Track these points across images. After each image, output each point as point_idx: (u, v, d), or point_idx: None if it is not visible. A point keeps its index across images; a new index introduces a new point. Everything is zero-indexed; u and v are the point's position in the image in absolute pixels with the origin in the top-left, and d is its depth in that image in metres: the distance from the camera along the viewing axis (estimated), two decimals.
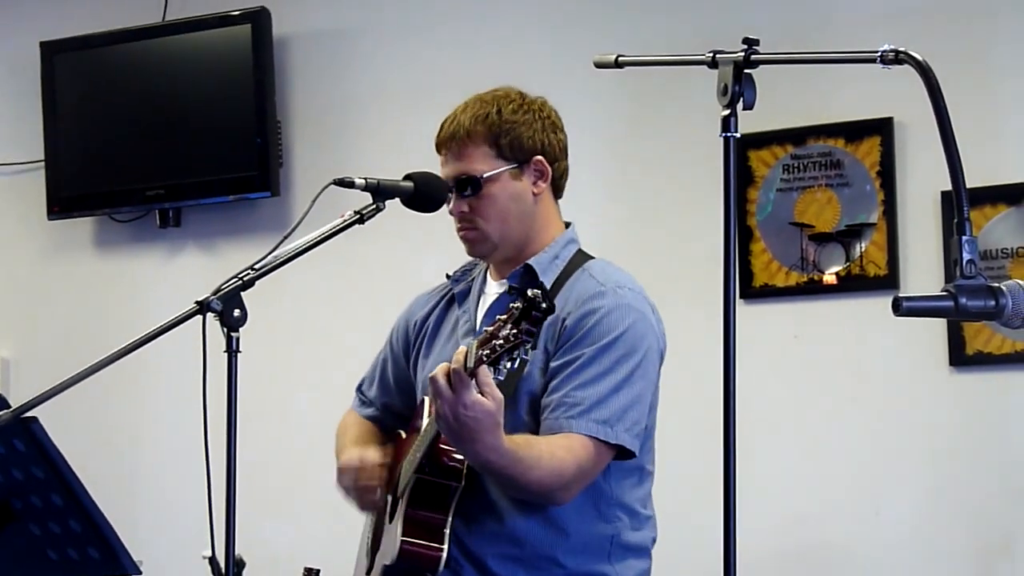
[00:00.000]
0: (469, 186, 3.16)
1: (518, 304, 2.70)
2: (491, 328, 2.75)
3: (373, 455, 3.26)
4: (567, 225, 3.30)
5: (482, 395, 2.81)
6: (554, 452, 2.99)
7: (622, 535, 3.16)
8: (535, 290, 2.70)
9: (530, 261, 3.19)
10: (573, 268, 3.21)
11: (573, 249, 3.25)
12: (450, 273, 3.40)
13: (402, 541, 3.02)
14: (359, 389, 3.55)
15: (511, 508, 3.09)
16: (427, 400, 3.15)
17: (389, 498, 3.23)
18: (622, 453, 3.09)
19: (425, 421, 3.12)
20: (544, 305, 2.68)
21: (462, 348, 2.83)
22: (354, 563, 3.43)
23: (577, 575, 3.11)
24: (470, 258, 3.38)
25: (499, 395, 2.82)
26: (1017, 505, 4.50)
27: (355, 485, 3.24)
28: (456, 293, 3.34)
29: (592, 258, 3.26)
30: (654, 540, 3.25)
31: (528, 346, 2.72)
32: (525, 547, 3.09)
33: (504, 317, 2.72)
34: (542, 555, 3.10)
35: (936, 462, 4.61)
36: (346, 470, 3.26)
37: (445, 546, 3.03)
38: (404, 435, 3.32)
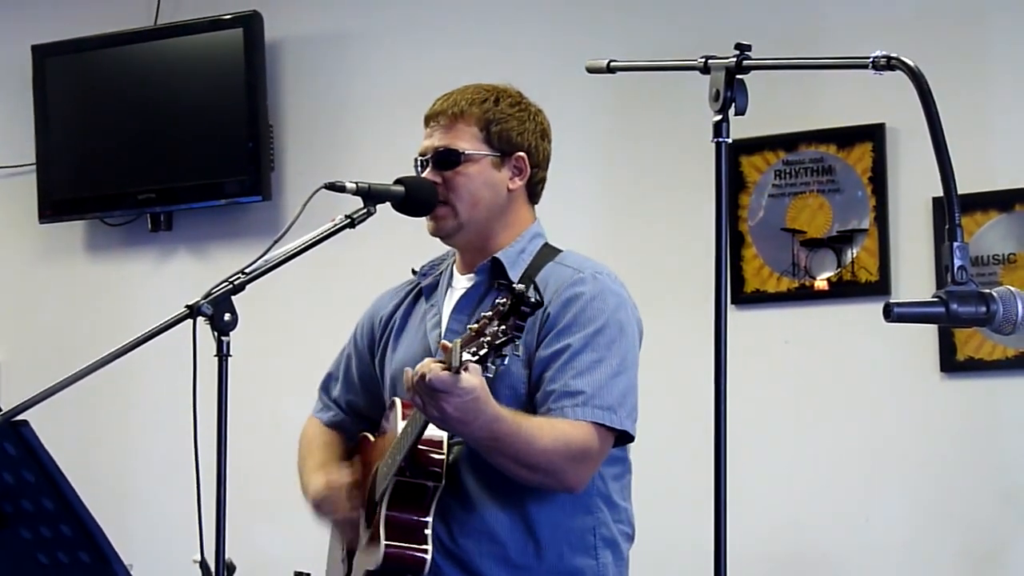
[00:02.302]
0: (449, 159, 3.17)
1: (505, 300, 2.68)
2: (476, 326, 2.72)
3: (339, 477, 3.26)
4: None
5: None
6: (555, 424, 3.00)
7: (603, 528, 3.17)
8: (521, 285, 2.69)
9: (498, 254, 3.19)
10: (542, 260, 3.21)
11: (539, 243, 3.26)
12: (416, 268, 3.40)
13: (386, 545, 3.02)
14: (323, 389, 3.53)
15: (492, 505, 3.09)
16: (398, 401, 3.15)
17: (363, 502, 3.22)
18: (619, 439, 3.10)
19: (399, 423, 3.10)
20: (533, 300, 2.66)
21: (445, 344, 2.81)
22: (325, 566, 3.44)
23: (561, 570, 3.11)
24: (437, 254, 3.39)
25: (475, 367, 2.79)
26: (1008, 511, 4.50)
27: (334, 517, 3.25)
28: (424, 287, 3.34)
29: (560, 251, 3.26)
30: (630, 536, 3.25)
31: (517, 342, 2.70)
32: (507, 544, 3.09)
33: (490, 314, 2.70)
34: (525, 551, 3.10)
35: (927, 468, 4.61)
36: (321, 504, 3.25)
37: (429, 547, 3.03)
38: (372, 438, 3.31)
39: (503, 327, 2.68)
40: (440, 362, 2.79)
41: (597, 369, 3.06)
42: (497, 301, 2.70)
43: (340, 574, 3.31)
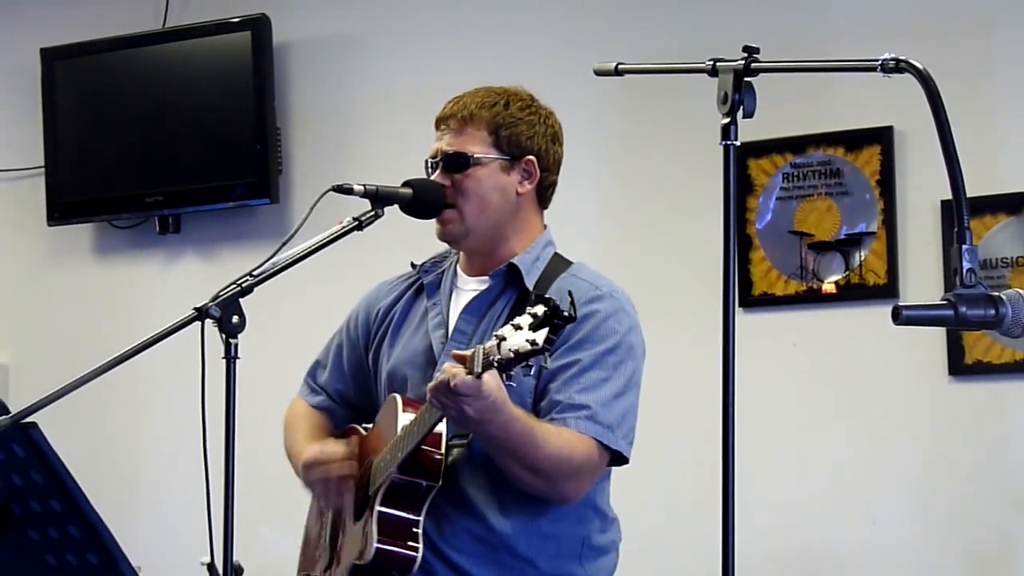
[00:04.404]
0: (457, 162, 3.17)
1: (537, 311, 2.64)
2: (502, 333, 2.70)
3: (335, 447, 3.24)
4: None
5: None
6: (562, 433, 3.01)
7: (592, 537, 3.18)
8: (553, 298, 2.66)
9: (514, 260, 3.19)
10: (554, 270, 3.21)
11: (551, 251, 3.26)
12: (416, 262, 3.39)
13: (378, 540, 3.02)
14: (310, 375, 3.51)
15: (486, 507, 3.09)
16: (399, 398, 3.15)
17: (355, 495, 3.21)
18: (614, 459, 3.10)
19: (399, 420, 3.10)
20: (567, 314, 2.64)
21: (461, 354, 2.81)
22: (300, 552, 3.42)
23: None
24: (438, 250, 3.39)
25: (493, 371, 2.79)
26: (1014, 514, 4.50)
27: (326, 476, 3.20)
28: (425, 283, 3.33)
29: (571, 262, 3.26)
30: (617, 544, 3.25)
31: (548, 354, 2.67)
32: (499, 547, 3.10)
33: (518, 323, 2.68)
34: (516, 555, 3.10)
35: (934, 471, 4.60)
36: (312, 464, 3.22)
37: (420, 546, 3.03)
38: (364, 431, 3.30)
39: (534, 338, 2.64)
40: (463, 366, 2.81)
41: (602, 387, 3.07)
42: (529, 310, 2.67)
43: (322, 560, 3.30)
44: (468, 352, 2.80)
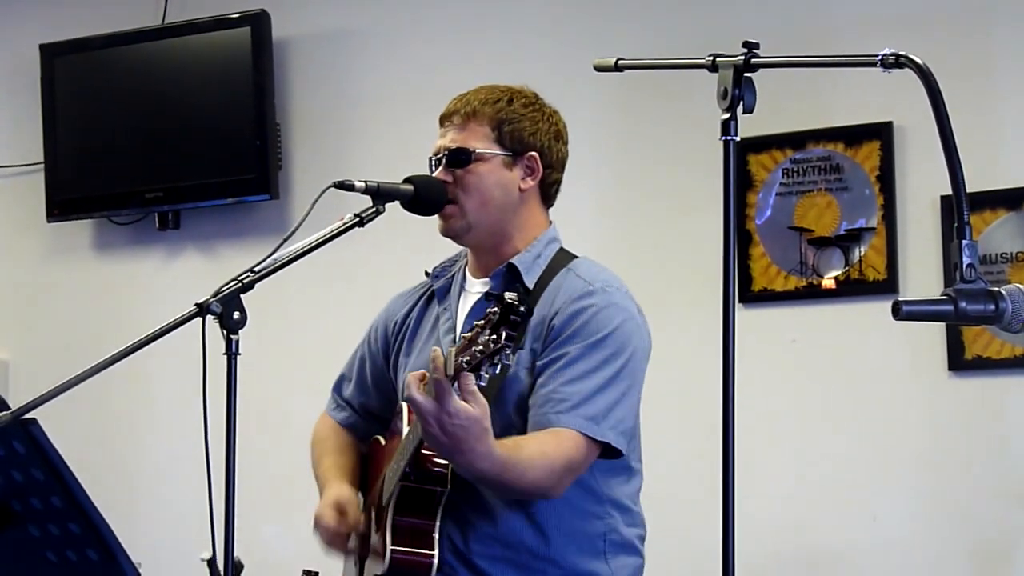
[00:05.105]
0: (460, 158, 3.17)
1: (495, 309, 2.68)
2: (469, 334, 2.73)
3: (351, 509, 3.25)
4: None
5: (466, 402, 2.79)
6: (544, 451, 2.99)
7: (615, 532, 3.16)
8: (511, 294, 2.69)
9: (513, 260, 3.19)
10: (556, 267, 3.20)
11: (555, 248, 3.25)
12: (429, 270, 3.40)
13: (392, 550, 3.02)
14: (336, 390, 3.53)
15: (504, 509, 3.08)
16: (406, 406, 3.16)
17: (373, 507, 3.23)
18: (608, 452, 3.09)
19: (406, 427, 3.11)
20: (523, 309, 2.67)
21: (438, 354, 2.80)
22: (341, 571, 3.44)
23: (572, 574, 3.11)
24: (445, 254, 3.39)
25: (484, 401, 2.80)
26: (1015, 510, 4.50)
27: (328, 542, 3.25)
28: (436, 289, 3.33)
29: (575, 256, 3.26)
30: (644, 538, 3.25)
31: (509, 351, 2.70)
32: (519, 548, 3.09)
33: (482, 323, 2.71)
34: (537, 555, 3.10)
35: (934, 467, 4.61)
36: (317, 524, 3.26)
37: (436, 552, 3.03)
38: (383, 441, 3.31)
39: (494, 336, 2.68)
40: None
41: (588, 379, 3.05)
42: (488, 311, 2.71)
43: (352, 573, 3.32)
44: (439, 354, 2.81)
